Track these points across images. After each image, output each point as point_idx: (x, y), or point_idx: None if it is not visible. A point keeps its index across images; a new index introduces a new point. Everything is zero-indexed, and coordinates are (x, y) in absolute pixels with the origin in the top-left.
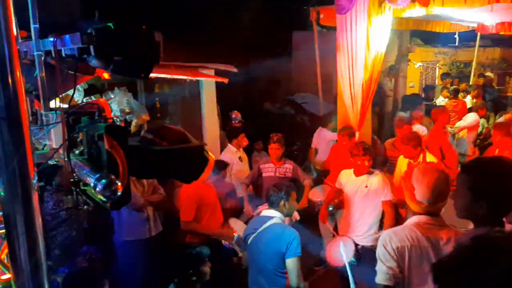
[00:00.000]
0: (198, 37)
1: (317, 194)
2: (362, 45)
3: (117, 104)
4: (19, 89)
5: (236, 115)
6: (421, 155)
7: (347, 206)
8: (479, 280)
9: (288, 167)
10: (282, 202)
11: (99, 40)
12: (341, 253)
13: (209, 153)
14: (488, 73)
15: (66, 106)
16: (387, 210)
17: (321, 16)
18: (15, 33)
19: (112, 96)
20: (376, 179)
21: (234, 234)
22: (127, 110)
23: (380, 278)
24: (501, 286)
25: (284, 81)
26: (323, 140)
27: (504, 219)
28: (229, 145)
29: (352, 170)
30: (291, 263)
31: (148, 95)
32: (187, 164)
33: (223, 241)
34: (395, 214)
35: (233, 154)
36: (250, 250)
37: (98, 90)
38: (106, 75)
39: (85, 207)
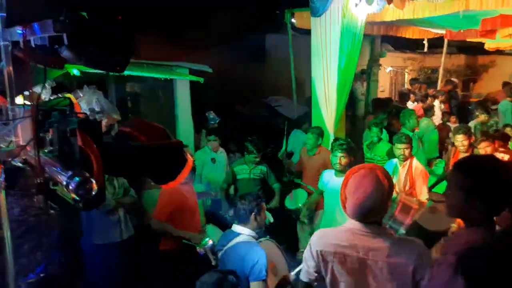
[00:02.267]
0: (172, 36)
1: (291, 202)
2: (336, 48)
3: (86, 103)
4: None
5: (213, 115)
6: (409, 161)
7: (328, 207)
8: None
9: (262, 168)
10: (252, 216)
11: (73, 28)
12: None
13: (188, 154)
14: (454, 79)
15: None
16: None
17: (296, 19)
18: None
19: (81, 95)
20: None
21: (208, 241)
22: (96, 110)
23: (301, 275)
24: None
25: (258, 84)
26: (298, 143)
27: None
28: (206, 145)
29: (333, 171)
30: (255, 287)
31: (119, 95)
32: (165, 162)
33: (197, 248)
34: None
35: (205, 155)
36: (220, 265)
37: (66, 88)
38: (75, 72)
39: (52, 211)
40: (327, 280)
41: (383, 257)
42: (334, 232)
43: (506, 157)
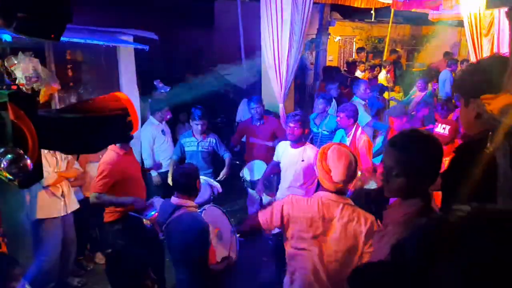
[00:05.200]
0: (117, 2)
1: (250, 174)
2: (287, 15)
3: (21, 70)
4: None
5: (162, 84)
6: (354, 129)
7: (284, 178)
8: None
9: (211, 140)
10: (192, 187)
11: None
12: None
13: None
14: (398, 49)
15: None
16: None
17: None
18: None
19: (16, 62)
20: (312, 152)
21: (155, 214)
22: (34, 78)
23: (261, 214)
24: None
25: (206, 52)
26: (248, 113)
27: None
28: (150, 117)
29: (289, 141)
30: (198, 258)
31: (58, 62)
32: (109, 134)
33: (144, 221)
34: None
35: (154, 128)
36: (165, 237)
37: None
38: (8, 37)
39: None
40: (291, 237)
41: (343, 223)
42: (307, 201)
43: (447, 128)
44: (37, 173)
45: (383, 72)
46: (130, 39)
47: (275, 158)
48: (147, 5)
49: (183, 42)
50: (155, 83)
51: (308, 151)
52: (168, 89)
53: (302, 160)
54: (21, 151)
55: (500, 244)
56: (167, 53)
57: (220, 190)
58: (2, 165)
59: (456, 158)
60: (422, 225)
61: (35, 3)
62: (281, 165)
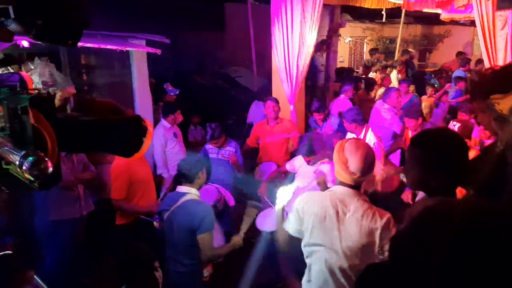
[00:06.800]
0: (127, 5)
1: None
2: (297, 16)
3: (38, 75)
4: None
5: (171, 87)
6: (364, 131)
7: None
8: (433, 254)
9: (230, 150)
10: (196, 176)
11: None
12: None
13: (147, 122)
14: (411, 49)
15: None
16: None
17: None
18: None
19: (32, 67)
20: (326, 166)
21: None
22: (50, 83)
23: (288, 227)
24: (452, 262)
25: (217, 54)
26: (259, 114)
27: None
28: (162, 120)
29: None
30: (203, 239)
31: (73, 67)
32: (124, 136)
33: (155, 223)
34: None
35: (167, 131)
36: (166, 227)
37: (16, 60)
38: (25, 43)
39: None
40: (307, 233)
41: (357, 218)
42: (320, 195)
43: (457, 126)
44: (56, 175)
45: (394, 72)
46: (143, 43)
47: (288, 168)
48: (158, 9)
49: (194, 44)
50: (164, 86)
51: (323, 165)
52: (177, 92)
53: (314, 172)
54: (42, 154)
55: (487, 246)
56: (178, 56)
57: (232, 204)
58: (24, 167)
59: (475, 158)
60: (413, 220)
61: (54, 10)
62: (295, 175)
